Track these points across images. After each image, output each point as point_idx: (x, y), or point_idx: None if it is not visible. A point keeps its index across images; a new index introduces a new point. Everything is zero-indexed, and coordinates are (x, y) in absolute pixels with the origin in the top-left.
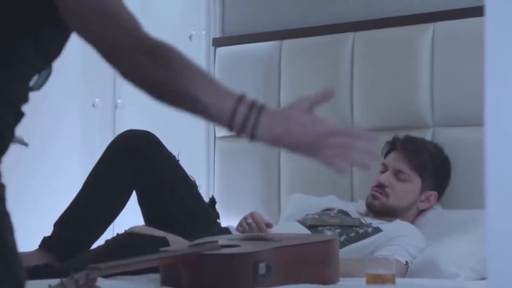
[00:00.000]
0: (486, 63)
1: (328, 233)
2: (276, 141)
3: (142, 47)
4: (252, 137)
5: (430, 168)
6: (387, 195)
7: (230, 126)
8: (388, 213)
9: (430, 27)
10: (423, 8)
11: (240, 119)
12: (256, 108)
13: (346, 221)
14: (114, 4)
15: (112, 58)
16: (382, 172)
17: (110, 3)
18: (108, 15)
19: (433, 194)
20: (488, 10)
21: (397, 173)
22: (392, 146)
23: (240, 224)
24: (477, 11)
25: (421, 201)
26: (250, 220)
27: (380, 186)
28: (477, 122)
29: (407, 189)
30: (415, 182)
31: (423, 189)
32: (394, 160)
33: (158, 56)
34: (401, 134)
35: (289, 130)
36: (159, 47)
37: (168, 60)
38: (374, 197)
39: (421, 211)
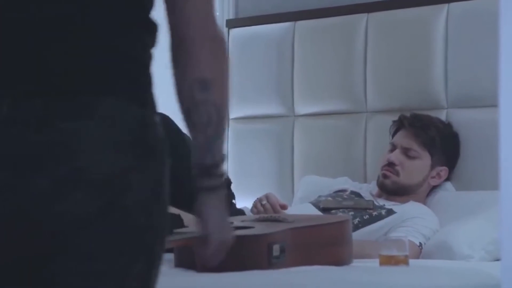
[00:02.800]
0: (501, 44)
1: (342, 215)
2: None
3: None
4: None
5: (438, 144)
6: (397, 173)
7: (205, 161)
8: (400, 192)
9: (444, 8)
10: None
11: (220, 173)
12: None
13: (360, 203)
14: None
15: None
16: (391, 151)
17: None
18: None
19: (443, 169)
20: None
21: (406, 151)
22: (399, 124)
23: (254, 206)
24: None
25: (432, 177)
26: (264, 202)
27: (390, 165)
28: (491, 103)
29: (417, 166)
30: (425, 159)
31: (433, 165)
32: (402, 138)
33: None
34: (407, 112)
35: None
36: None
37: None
38: (385, 176)
39: (432, 188)
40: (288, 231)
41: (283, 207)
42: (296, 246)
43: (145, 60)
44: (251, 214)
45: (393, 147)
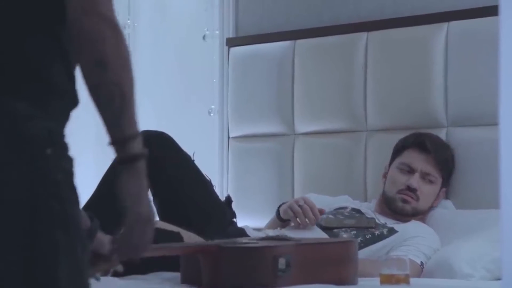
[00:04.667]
0: (501, 63)
1: (344, 235)
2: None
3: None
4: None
5: (451, 168)
6: (418, 199)
7: (117, 135)
8: (415, 215)
9: (444, 27)
10: (437, 7)
11: (136, 147)
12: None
13: (361, 222)
14: None
15: None
16: (407, 171)
17: None
18: None
19: (443, 190)
20: (502, 10)
21: (424, 175)
22: (414, 144)
23: (290, 207)
24: (491, 11)
25: (435, 199)
26: (302, 203)
27: (411, 190)
28: (492, 121)
29: (433, 190)
30: (438, 183)
31: (441, 188)
32: (423, 162)
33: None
34: (408, 131)
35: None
36: None
37: None
38: (405, 201)
39: (431, 207)
40: (294, 246)
41: (321, 211)
42: (302, 262)
43: (43, 61)
44: (254, 233)
45: (409, 169)
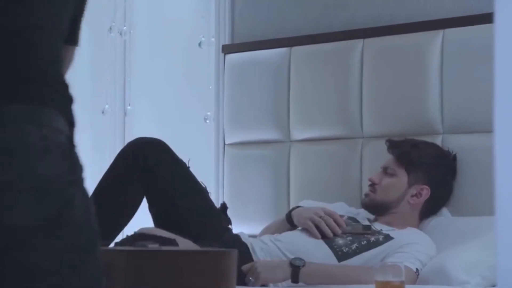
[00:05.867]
0: (496, 70)
1: (340, 241)
2: None
3: None
4: None
5: (416, 161)
6: (375, 191)
7: None
8: (378, 209)
9: (439, 34)
10: (432, 15)
11: None
12: None
13: (357, 229)
14: None
15: None
16: None
17: None
18: None
19: (425, 188)
20: (497, 17)
21: (385, 170)
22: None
23: (311, 219)
24: (487, 18)
25: (412, 196)
26: (322, 214)
27: (371, 184)
28: (487, 128)
29: (392, 182)
30: (401, 176)
31: (411, 183)
32: (387, 159)
33: None
34: (400, 137)
35: None
36: None
37: None
38: (365, 195)
39: (425, 212)
40: (121, 252)
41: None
42: (135, 270)
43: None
44: (249, 239)
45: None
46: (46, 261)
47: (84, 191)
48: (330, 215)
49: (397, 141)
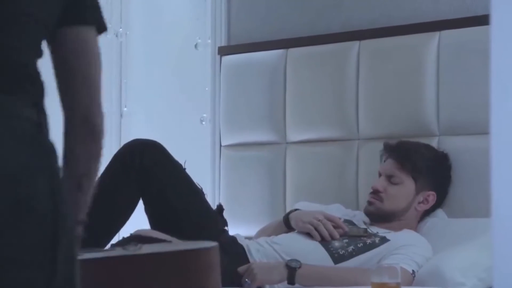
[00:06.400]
0: (492, 72)
1: (336, 244)
2: None
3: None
4: None
5: (422, 169)
6: (381, 200)
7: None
8: (386, 218)
9: (435, 36)
10: (428, 16)
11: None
12: None
13: (353, 231)
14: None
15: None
16: (378, 178)
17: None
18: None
19: (431, 194)
20: (493, 19)
21: (389, 178)
22: (384, 152)
23: (309, 222)
24: (483, 20)
25: (419, 202)
26: (321, 217)
27: (374, 192)
28: (483, 130)
29: (400, 191)
30: (408, 184)
31: (419, 190)
32: (386, 165)
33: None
34: (393, 140)
35: None
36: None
37: None
38: (370, 203)
39: (423, 215)
40: (99, 260)
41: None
42: (111, 275)
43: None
44: (245, 241)
45: (379, 175)
46: (12, 252)
47: (53, 178)
48: (330, 219)
49: (397, 146)
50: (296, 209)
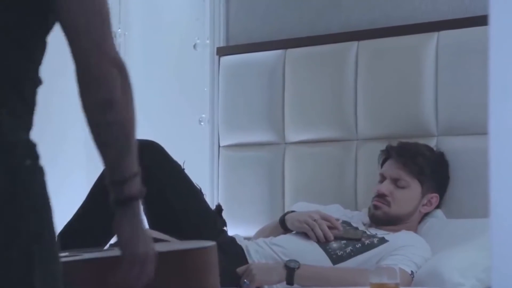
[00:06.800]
0: (490, 72)
1: (334, 245)
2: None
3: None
4: (123, 202)
5: (427, 172)
6: (389, 204)
7: (117, 176)
8: (392, 222)
9: (434, 36)
10: (427, 17)
11: (134, 187)
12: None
13: (349, 233)
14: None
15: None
16: (381, 182)
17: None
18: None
19: (434, 196)
20: (492, 19)
21: (395, 181)
22: (386, 154)
23: (305, 222)
24: (481, 20)
25: (423, 205)
26: (317, 217)
27: (380, 196)
28: (481, 131)
29: (408, 195)
30: (415, 187)
31: (424, 193)
32: (391, 168)
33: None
34: (394, 142)
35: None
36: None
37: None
38: (376, 207)
39: (423, 216)
40: (84, 262)
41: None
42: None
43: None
44: (244, 242)
45: (383, 178)
46: None
47: (9, 176)
48: (326, 218)
49: (401, 149)
50: (292, 211)
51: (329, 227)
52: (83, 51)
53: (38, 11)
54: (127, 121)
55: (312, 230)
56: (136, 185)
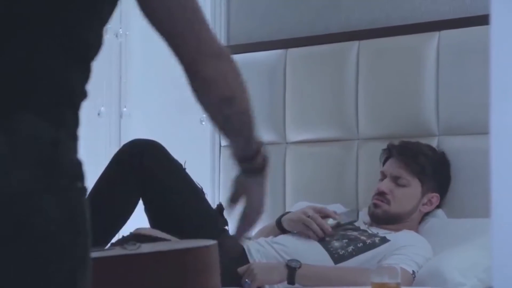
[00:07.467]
0: (491, 72)
1: (336, 244)
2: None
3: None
4: (253, 171)
5: (428, 171)
6: (388, 202)
7: (248, 153)
8: (392, 220)
9: (435, 36)
10: (428, 16)
11: (261, 158)
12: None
13: (343, 219)
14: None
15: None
16: (381, 180)
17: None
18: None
19: (435, 196)
20: (493, 19)
21: (395, 179)
22: (388, 153)
23: (301, 220)
24: (482, 20)
25: (424, 204)
26: (311, 213)
27: (380, 194)
28: (482, 130)
29: (408, 193)
30: (415, 186)
31: (424, 192)
32: (391, 167)
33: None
34: (396, 141)
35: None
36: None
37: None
38: (376, 205)
39: (424, 215)
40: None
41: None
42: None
43: (66, 79)
44: (244, 241)
45: (383, 176)
46: (8, 272)
47: (65, 198)
48: (318, 211)
49: (403, 147)
50: (287, 212)
51: (325, 216)
52: (193, 50)
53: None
54: (246, 106)
55: (309, 227)
56: (262, 154)
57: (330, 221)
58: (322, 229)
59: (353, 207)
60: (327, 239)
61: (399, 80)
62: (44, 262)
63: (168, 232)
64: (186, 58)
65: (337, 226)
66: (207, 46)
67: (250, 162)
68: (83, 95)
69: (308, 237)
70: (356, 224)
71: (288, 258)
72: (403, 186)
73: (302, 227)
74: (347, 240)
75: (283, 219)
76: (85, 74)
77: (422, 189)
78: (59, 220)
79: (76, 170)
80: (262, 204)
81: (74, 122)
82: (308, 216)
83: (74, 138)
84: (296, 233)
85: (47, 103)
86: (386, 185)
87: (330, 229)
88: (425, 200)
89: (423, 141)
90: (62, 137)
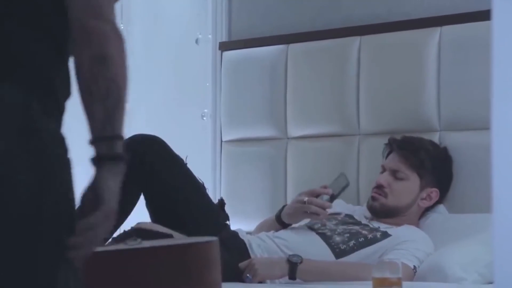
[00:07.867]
0: (493, 67)
1: (337, 238)
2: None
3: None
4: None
5: (428, 166)
6: (386, 195)
7: (106, 132)
8: (389, 214)
9: (436, 31)
10: (429, 12)
11: (121, 147)
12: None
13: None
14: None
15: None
16: (381, 173)
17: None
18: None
19: (434, 191)
20: (494, 14)
21: (394, 173)
22: (389, 147)
23: (301, 209)
24: (484, 15)
25: (422, 199)
26: (305, 198)
27: (378, 187)
28: (484, 126)
29: (405, 187)
30: (413, 180)
31: (423, 187)
32: (391, 160)
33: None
34: (398, 135)
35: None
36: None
37: None
38: (373, 198)
39: (424, 211)
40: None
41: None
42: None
43: (50, 54)
44: (247, 236)
45: (383, 170)
46: None
47: (41, 160)
48: (311, 193)
49: (403, 141)
50: (283, 207)
51: (320, 194)
52: (81, 12)
53: None
54: (119, 77)
55: (309, 212)
56: (122, 147)
57: (325, 197)
58: (322, 208)
59: (354, 202)
60: (328, 234)
61: (400, 76)
62: (8, 222)
63: (169, 227)
64: (77, 13)
65: (332, 198)
66: (100, 10)
67: (110, 144)
68: (62, 73)
69: (310, 231)
70: (357, 218)
71: (290, 252)
72: (401, 179)
73: (303, 215)
74: (348, 235)
75: (282, 214)
76: (57, 44)
77: (421, 184)
78: (28, 182)
79: (56, 137)
80: (115, 203)
81: (53, 97)
82: (304, 202)
83: (53, 111)
84: (297, 226)
85: (25, 76)
86: (384, 178)
87: (329, 205)
88: (423, 194)
89: (424, 136)
90: (38, 107)
